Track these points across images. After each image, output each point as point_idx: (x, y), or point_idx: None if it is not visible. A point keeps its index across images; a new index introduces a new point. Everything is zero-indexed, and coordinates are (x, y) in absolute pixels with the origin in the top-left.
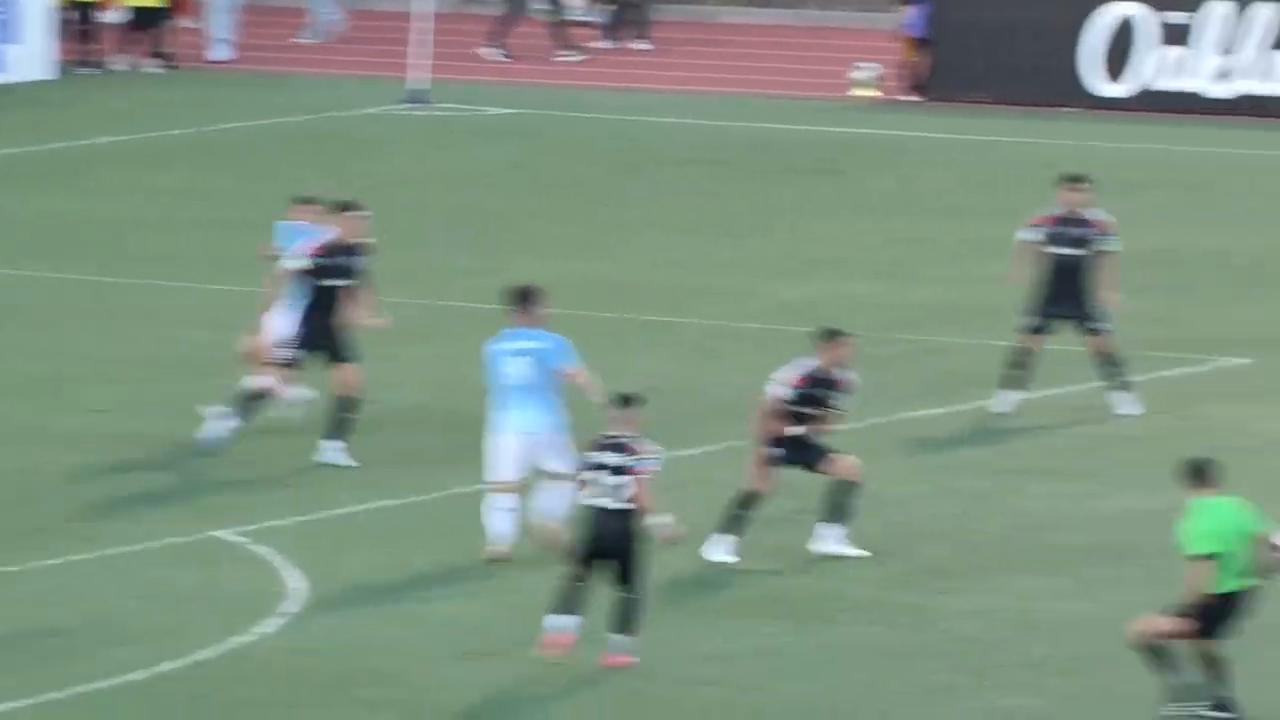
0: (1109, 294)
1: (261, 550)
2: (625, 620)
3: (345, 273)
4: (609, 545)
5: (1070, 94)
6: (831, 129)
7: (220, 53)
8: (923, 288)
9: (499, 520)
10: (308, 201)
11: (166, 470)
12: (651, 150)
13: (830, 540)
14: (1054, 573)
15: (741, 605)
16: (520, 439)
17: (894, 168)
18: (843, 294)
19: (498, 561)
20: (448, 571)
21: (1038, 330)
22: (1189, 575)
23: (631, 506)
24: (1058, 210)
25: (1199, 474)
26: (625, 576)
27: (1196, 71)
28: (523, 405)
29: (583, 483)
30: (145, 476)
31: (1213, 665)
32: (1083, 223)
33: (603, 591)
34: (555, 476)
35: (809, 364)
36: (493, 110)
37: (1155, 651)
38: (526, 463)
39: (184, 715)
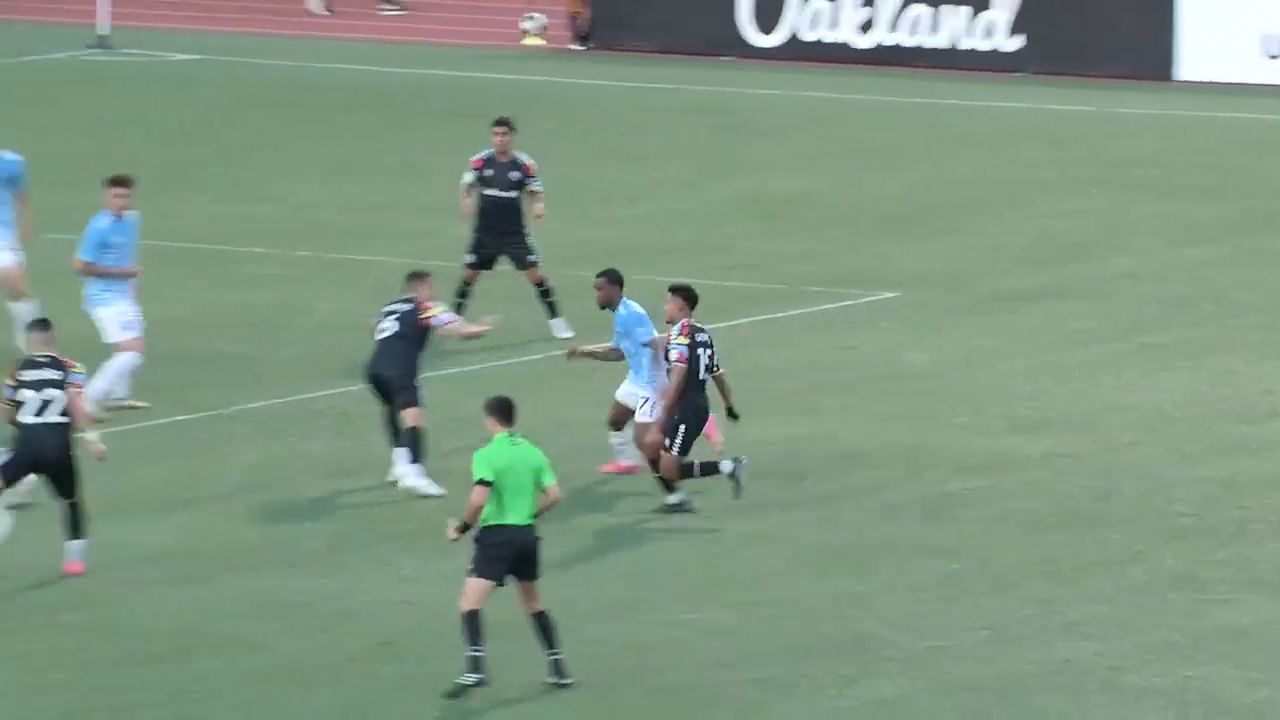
0: (536, 216)
1: None
2: (75, 526)
3: None
4: (49, 459)
5: (727, 44)
6: (502, 76)
7: None
8: (589, 227)
9: None
10: None
11: None
12: (331, 95)
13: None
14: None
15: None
16: None
17: (557, 113)
18: None
19: None
20: None
21: (475, 265)
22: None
23: (66, 420)
24: (488, 152)
25: (500, 411)
26: (65, 488)
27: (840, 24)
28: None
29: (17, 403)
30: None
31: (539, 621)
32: (511, 164)
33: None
34: None
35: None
36: (177, 56)
37: (468, 620)
38: None
39: None
